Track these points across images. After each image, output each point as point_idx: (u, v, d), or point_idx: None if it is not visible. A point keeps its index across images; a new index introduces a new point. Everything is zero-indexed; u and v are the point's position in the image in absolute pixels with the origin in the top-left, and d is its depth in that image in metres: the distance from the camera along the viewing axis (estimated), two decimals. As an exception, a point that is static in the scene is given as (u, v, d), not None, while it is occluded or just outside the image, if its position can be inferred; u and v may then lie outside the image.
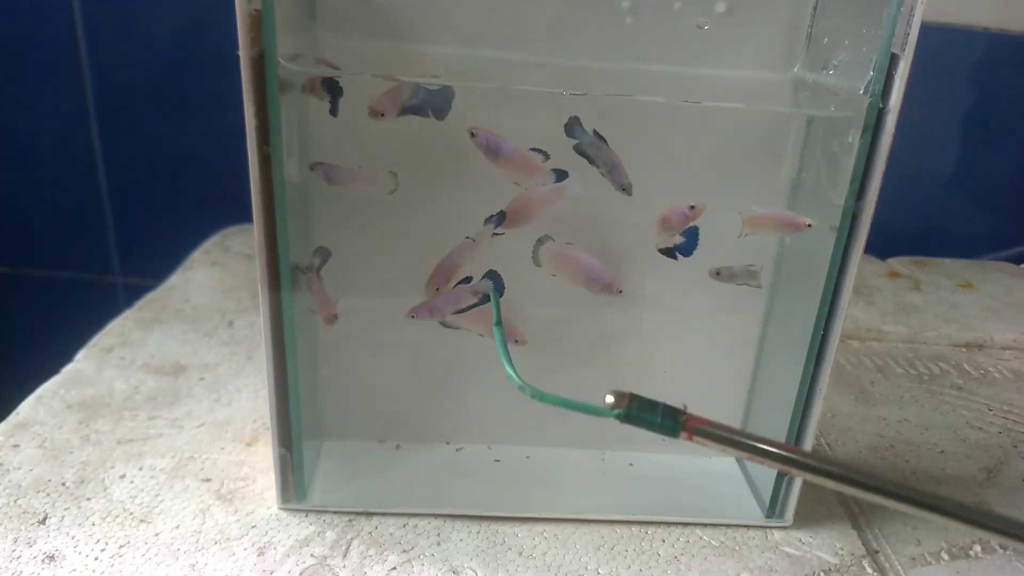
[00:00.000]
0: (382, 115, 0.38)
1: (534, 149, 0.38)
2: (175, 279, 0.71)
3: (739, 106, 0.40)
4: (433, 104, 0.38)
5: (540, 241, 0.41)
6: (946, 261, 0.89)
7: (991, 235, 0.93)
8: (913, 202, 0.89)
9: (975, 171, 0.89)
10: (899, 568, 0.42)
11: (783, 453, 0.30)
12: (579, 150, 0.39)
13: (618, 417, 0.30)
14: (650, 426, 0.30)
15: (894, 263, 0.87)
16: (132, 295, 0.70)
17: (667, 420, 0.30)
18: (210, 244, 0.78)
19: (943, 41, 0.82)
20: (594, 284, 0.42)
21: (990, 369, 0.65)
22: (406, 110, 0.38)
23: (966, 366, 0.66)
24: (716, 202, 0.42)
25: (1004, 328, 0.72)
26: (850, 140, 0.36)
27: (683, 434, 0.29)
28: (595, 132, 0.38)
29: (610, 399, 0.30)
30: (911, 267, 0.86)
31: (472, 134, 0.38)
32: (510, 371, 0.35)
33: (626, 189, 0.40)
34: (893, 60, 0.35)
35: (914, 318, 0.72)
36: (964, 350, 0.69)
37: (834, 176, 0.38)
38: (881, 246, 0.88)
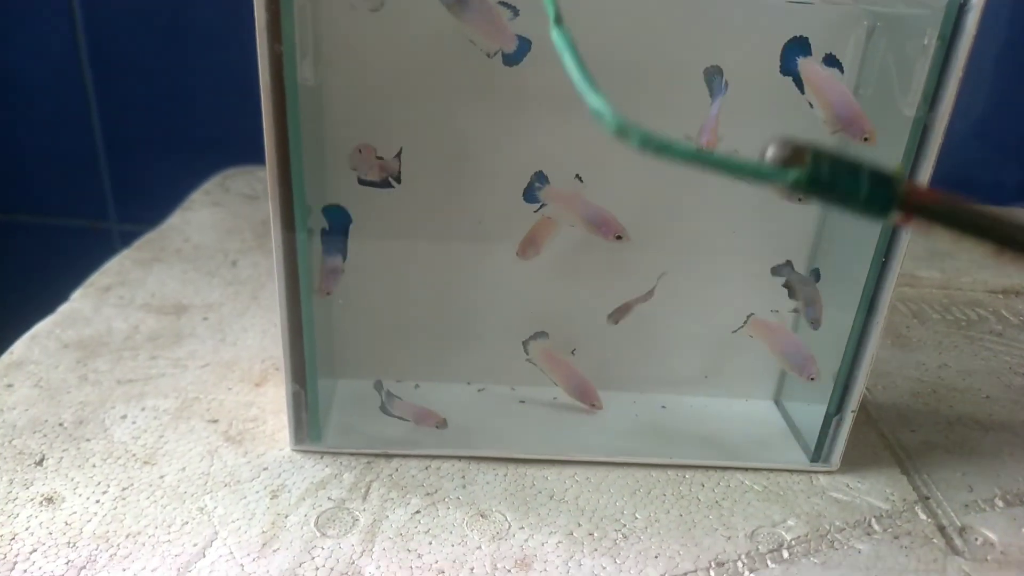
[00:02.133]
0: None
1: (502, 2, 0.34)
2: (174, 219, 0.67)
3: (803, 2, 0.36)
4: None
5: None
6: (976, 208, 0.85)
7: (1020, 184, 0.89)
8: (942, 146, 0.85)
9: (1004, 117, 0.85)
10: (952, 515, 0.39)
11: None
12: (787, 285, 0.40)
13: (797, 185, 0.19)
14: (845, 199, 0.19)
15: (922, 210, 0.84)
16: (128, 242, 0.66)
17: (877, 190, 0.19)
18: (210, 185, 0.75)
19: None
20: (592, 226, 0.39)
21: (1029, 315, 0.63)
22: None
23: (1004, 312, 0.63)
24: (763, 122, 0.39)
25: (1041, 275, 0.69)
26: (926, 42, 0.32)
27: (896, 214, 0.19)
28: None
29: (773, 151, 0.19)
30: (940, 214, 0.83)
31: None
32: (595, 101, 0.21)
33: (813, 324, 0.40)
34: (979, -50, 0.31)
35: (948, 263, 0.69)
36: (1001, 296, 0.66)
37: (904, 84, 0.34)
38: (908, 193, 0.85)
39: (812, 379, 0.40)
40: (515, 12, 0.34)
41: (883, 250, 0.37)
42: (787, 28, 0.37)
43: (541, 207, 0.38)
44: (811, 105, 0.35)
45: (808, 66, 0.35)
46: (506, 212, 0.39)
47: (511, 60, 0.35)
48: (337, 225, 0.38)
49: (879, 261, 0.37)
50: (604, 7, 0.36)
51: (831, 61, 0.35)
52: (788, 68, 0.35)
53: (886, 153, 0.35)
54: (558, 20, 0.23)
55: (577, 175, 0.38)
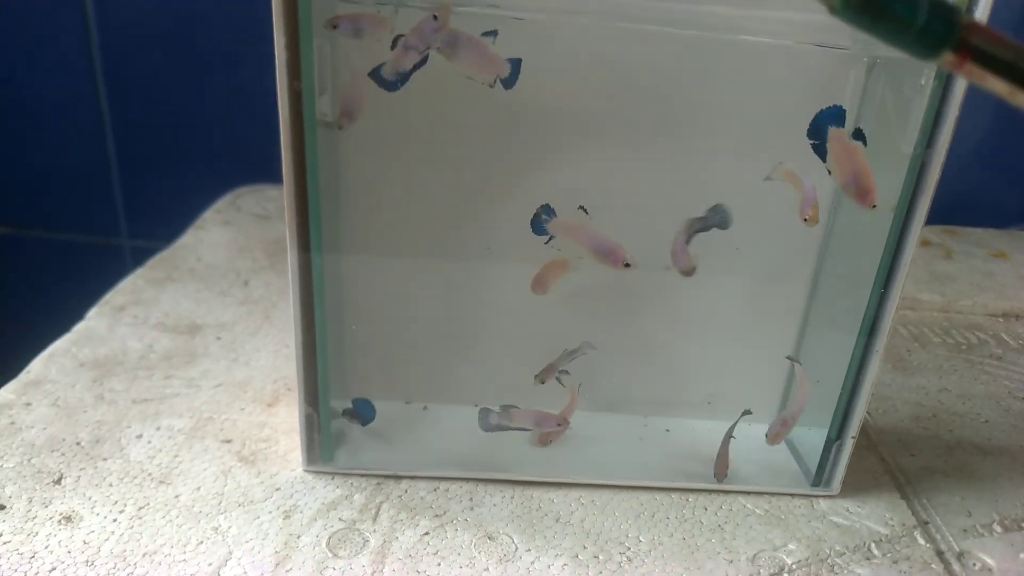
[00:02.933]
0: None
1: (486, 34, 0.35)
2: (187, 238, 0.69)
3: (799, 44, 0.38)
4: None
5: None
6: (977, 231, 0.86)
7: (1022, 205, 0.90)
8: (943, 170, 0.86)
9: (1006, 140, 0.86)
10: (951, 540, 0.40)
11: None
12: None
13: (847, 4, 0.16)
14: (897, 27, 0.17)
15: (924, 231, 0.84)
16: (139, 258, 0.67)
17: (935, 20, 0.16)
18: (222, 204, 0.76)
19: None
20: (600, 256, 0.39)
21: (1029, 339, 0.63)
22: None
23: (1004, 336, 0.64)
24: (764, 157, 0.40)
25: (1041, 298, 0.70)
26: (922, 83, 0.34)
27: (949, 55, 0.17)
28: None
29: None
30: (942, 235, 0.83)
31: (434, 16, 0.34)
32: None
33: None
34: (974, -4, 0.32)
35: (948, 287, 0.70)
36: (1001, 320, 0.67)
37: (902, 122, 0.35)
38: (910, 215, 0.86)
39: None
40: (495, 35, 0.35)
41: (884, 276, 0.38)
42: (789, 65, 0.38)
43: (550, 239, 0.39)
44: (829, 172, 0.36)
45: (837, 138, 0.36)
46: (516, 236, 0.40)
47: (508, 83, 0.36)
48: (363, 417, 0.43)
49: (880, 285, 0.38)
50: (603, 49, 0.37)
51: (859, 135, 0.36)
52: (817, 135, 0.36)
53: (884, 188, 0.36)
54: None
55: (581, 206, 0.39)
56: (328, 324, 0.39)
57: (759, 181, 0.38)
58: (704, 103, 0.39)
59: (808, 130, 0.36)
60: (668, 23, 0.36)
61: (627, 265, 0.39)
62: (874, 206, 0.36)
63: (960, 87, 0.33)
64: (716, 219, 0.38)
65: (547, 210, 0.38)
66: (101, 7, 0.79)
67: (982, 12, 0.32)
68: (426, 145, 0.39)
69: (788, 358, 0.44)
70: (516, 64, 0.36)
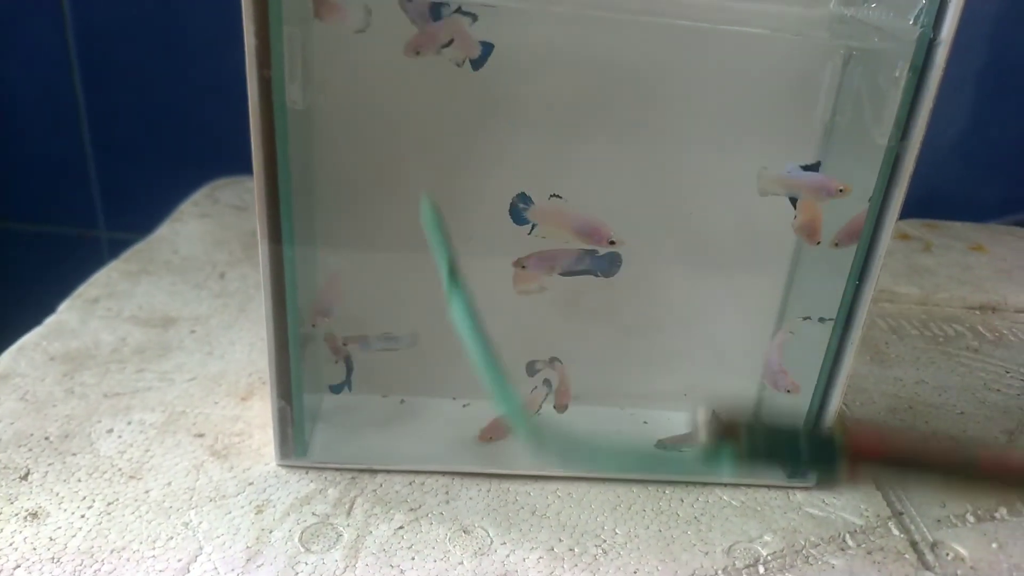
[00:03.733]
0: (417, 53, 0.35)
1: (466, 12, 0.35)
2: (163, 230, 0.68)
3: (779, 34, 0.37)
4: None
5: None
6: (956, 224, 0.87)
7: (1000, 200, 0.91)
8: (923, 164, 0.86)
9: (987, 133, 0.87)
10: (925, 530, 0.40)
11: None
12: None
13: (737, 460, 0.19)
14: (789, 462, 0.20)
15: (903, 225, 0.85)
16: (117, 250, 0.66)
17: (819, 451, 0.19)
18: (199, 196, 0.75)
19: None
20: (584, 236, 0.39)
21: (1005, 332, 0.64)
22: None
23: (981, 328, 0.64)
24: (741, 149, 0.40)
25: (1018, 291, 0.70)
26: (897, 75, 0.34)
27: (844, 467, 0.19)
28: None
29: (703, 419, 0.19)
30: (921, 229, 0.84)
31: None
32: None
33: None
34: (947, -14, 0.32)
35: (927, 280, 0.71)
36: (978, 312, 0.67)
37: (877, 114, 0.35)
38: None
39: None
40: (474, 18, 0.35)
41: (859, 268, 0.37)
42: (766, 55, 0.38)
43: (533, 227, 0.39)
44: (795, 217, 0.38)
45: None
46: (495, 228, 0.40)
47: (476, 65, 0.36)
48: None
49: (855, 278, 0.38)
50: (577, 38, 0.37)
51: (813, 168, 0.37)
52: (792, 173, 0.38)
53: (859, 180, 0.36)
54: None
55: (555, 194, 0.38)
56: (302, 317, 0.39)
57: (734, 171, 0.38)
58: (680, 92, 0.39)
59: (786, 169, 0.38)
60: (642, 12, 0.35)
61: (612, 243, 0.39)
62: (819, 242, 0.38)
63: (935, 79, 0.33)
64: (601, 265, 0.39)
65: (524, 198, 0.37)
66: (76, -5, 0.78)
67: (948, 31, 0.32)
68: (401, 135, 0.39)
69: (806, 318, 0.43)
70: (488, 48, 0.35)
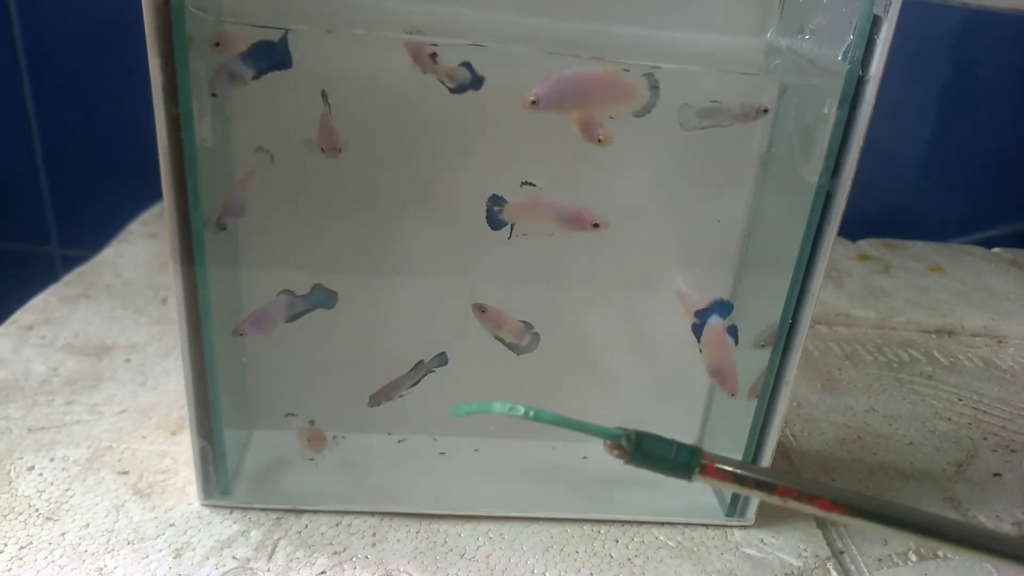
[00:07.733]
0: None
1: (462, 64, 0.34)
2: (108, 252, 0.66)
3: (705, 69, 0.37)
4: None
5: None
6: (917, 244, 0.87)
7: (962, 218, 0.91)
8: (883, 184, 0.87)
9: (947, 153, 0.87)
10: (864, 570, 0.40)
11: (828, 494, 0.27)
12: None
13: (629, 454, 0.26)
14: (665, 465, 0.26)
15: (864, 245, 0.85)
16: (70, 266, 0.65)
17: (685, 459, 0.26)
18: (149, 215, 0.74)
19: (918, 17, 0.79)
20: (567, 223, 0.37)
21: (960, 356, 0.64)
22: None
23: (936, 353, 0.64)
24: (678, 180, 0.40)
25: (974, 314, 0.70)
26: (826, 111, 0.33)
27: (698, 472, 0.26)
28: None
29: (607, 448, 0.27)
30: (881, 249, 0.84)
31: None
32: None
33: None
34: (875, 23, 0.31)
35: (883, 302, 0.70)
36: (934, 336, 0.67)
37: (807, 151, 0.34)
38: (851, 228, 0.86)
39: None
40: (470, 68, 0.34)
41: (794, 300, 0.37)
42: (701, 88, 0.37)
43: (512, 229, 0.36)
44: (700, 351, 0.38)
45: (715, 329, 0.38)
46: (431, 252, 0.39)
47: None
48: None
49: (789, 314, 0.37)
50: (513, 73, 0.36)
51: (732, 332, 0.38)
52: (702, 317, 0.38)
53: (792, 217, 0.35)
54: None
55: (527, 181, 0.36)
56: (228, 350, 0.38)
57: (668, 209, 0.37)
58: (616, 124, 0.38)
59: (696, 313, 0.38)
60: (576, 47, 0.34)
61: (596, 226, 0.37)
62: (733, 394, 0.38)
63: (865, 116, 0.33)
64: (319, 299, 0.39)
65: (497, 200, 0.35)
66: (25, 8, 0.76)
67: (876, 67, 0.32)
68: (329, 169, 0.38)
69: None
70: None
